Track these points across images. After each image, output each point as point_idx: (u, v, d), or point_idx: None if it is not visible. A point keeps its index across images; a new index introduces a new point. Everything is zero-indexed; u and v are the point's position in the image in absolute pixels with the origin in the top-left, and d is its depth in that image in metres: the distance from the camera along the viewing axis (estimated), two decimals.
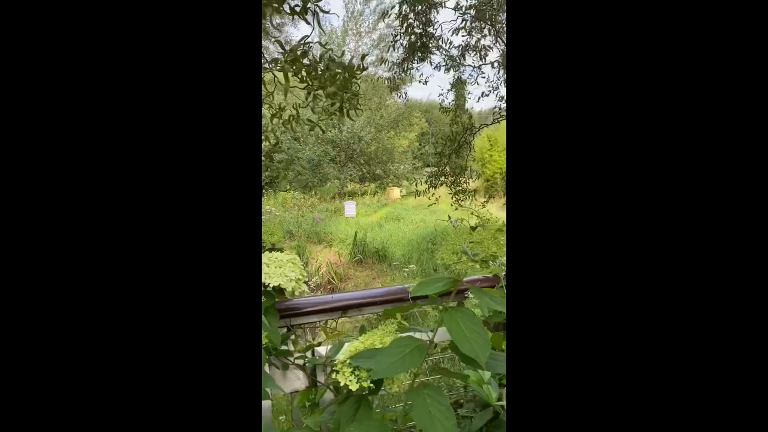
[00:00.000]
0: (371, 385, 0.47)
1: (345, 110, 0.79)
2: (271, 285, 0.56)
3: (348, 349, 0.52)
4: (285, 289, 0.57)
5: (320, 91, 0.78)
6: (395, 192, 12.98)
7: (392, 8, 3.89)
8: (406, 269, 5.65)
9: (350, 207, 9.92)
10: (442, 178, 4.73)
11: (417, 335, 0.48)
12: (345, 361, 0.50)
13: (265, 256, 0.59)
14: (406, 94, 5.76)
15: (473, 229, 0.62)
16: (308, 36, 0.74)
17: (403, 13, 3.81)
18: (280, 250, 0.65)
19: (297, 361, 0.68)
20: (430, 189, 4.77)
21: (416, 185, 4.36)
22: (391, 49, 4.02)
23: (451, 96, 4.93)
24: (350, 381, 0.47)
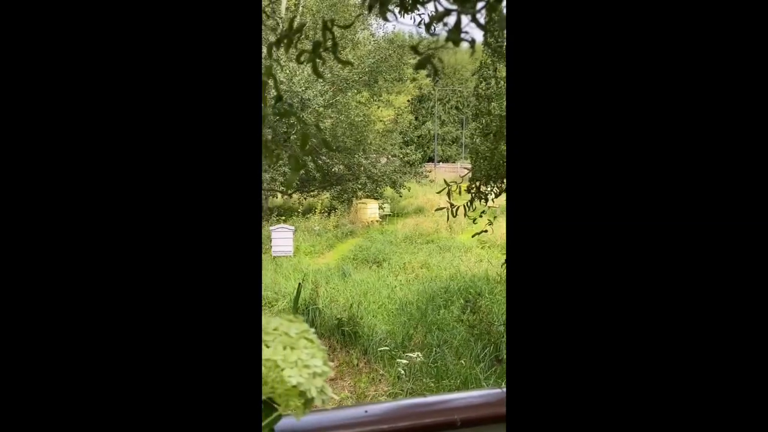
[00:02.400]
0: None
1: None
2: (277, 390, 0.62)
3: None
4: (308, 395, 0.62)
5: None
6: (369, 209, 12.74)
7: None
8: (403, 360, 5.29)
9: (282, 237, 9.63)
10: (499, 184, 4.43)
11: None
12: None
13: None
14: (397, 15, 5.51)
15: None
16: None
17: None
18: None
19: None
20: (475, 202, 4.40)
21: (449, 195, 3.85)
22: None
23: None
24: None
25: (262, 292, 7.15)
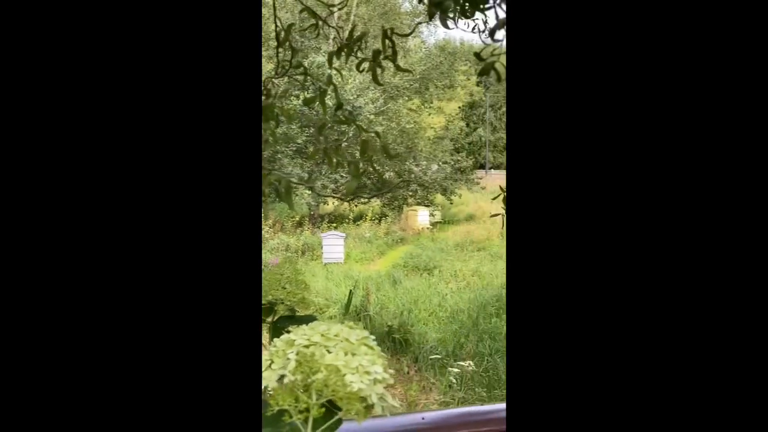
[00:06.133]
0: None
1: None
2: (338, 395, 0.61)
3: None
4: (369, 401, 0.62)
5: None
6: (419, 217, 12.71)
7: None
8: (455, 369, 5.24)
9: (333, 244, 9.71)
10: None
11: None
12: None
13: (314, 329, 0.65)
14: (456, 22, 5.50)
15: None
16: None
17: None
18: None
19: None
20: None
21: (505, 201, 3.88)
22: None
23: None
24: None
25: (314, 299, 7.20)
